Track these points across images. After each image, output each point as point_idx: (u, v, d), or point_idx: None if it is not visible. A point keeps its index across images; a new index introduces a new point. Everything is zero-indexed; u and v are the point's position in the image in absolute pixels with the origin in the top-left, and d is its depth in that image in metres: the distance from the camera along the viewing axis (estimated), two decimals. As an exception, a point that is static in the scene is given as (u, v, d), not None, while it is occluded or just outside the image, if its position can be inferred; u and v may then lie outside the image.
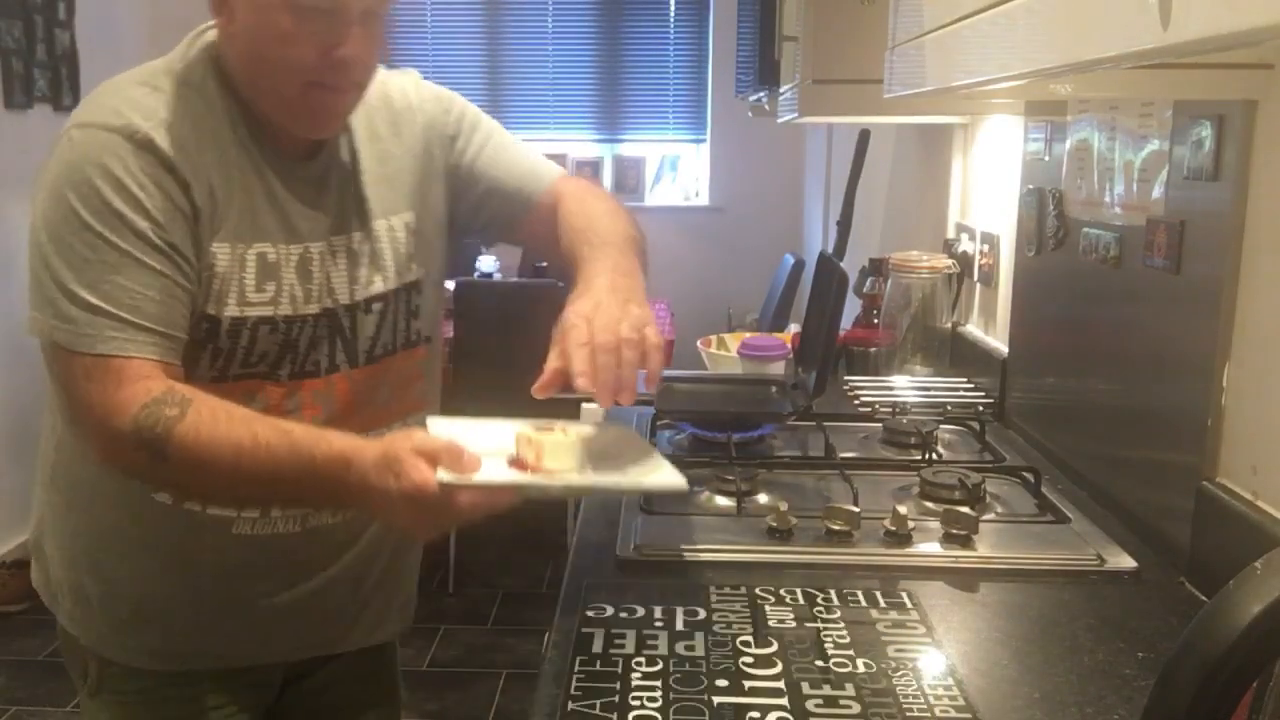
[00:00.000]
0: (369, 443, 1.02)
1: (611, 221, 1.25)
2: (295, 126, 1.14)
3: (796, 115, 2.02)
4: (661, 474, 1.03)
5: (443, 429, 1.04)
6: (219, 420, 1.03)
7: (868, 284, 2.28)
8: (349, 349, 1.20)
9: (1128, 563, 1.23)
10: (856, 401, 1.83)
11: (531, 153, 1.35)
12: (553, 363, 1.03)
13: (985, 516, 1.33)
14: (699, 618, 1.09)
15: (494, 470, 0.98)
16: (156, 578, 1.21)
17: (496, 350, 3.24)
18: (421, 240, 1.25)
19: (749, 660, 1.01)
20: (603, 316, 1.04)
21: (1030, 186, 1.71)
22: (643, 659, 1.01)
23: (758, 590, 1.16)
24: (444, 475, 0.94)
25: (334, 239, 1.19)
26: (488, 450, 0.99)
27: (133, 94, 1.09)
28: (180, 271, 1.07)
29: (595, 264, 1.15)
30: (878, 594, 1.16)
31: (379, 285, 1.21)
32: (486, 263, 4.19)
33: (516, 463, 1.01)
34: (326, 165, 1.19)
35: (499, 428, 1.05)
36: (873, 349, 2.13)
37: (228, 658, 1.26)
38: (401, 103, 1.26)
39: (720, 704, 0.93)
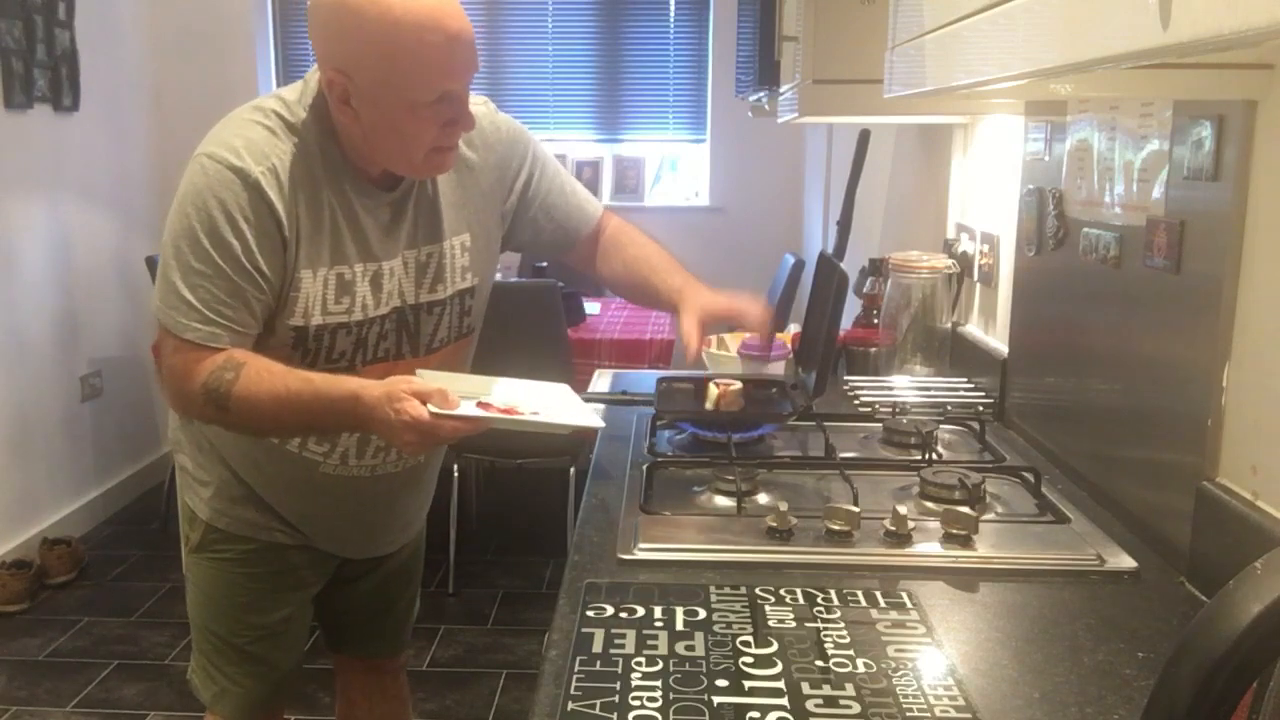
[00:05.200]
0: (374, 383, 1.30)
1: (669, 258, 1.67)
2: (418, 175, 1.43)
3: (796, 115, 2.02)
4: (584, 418, 1.41)
5: (431, 378, 1.38)
6: (263, 378, 1.32)
7: (868, 284, 2.28)
8: (413, 342, 1.49)
9: (1128, 563, 1.23)
10: (856, 401, 1.83)
11: (581, 192, 1.67)
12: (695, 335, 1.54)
13: (985, 516, 1.34)
14: (699, 618, 1.09)
15: (467, 408, 1.32)
16: (263, 483, 1.55)
17: (497, 348, 3.24)
18: (476, 255, 1.54)
19: (749, 660, 1.01)
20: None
21: (1030, 186, 1.71)
22: (643, 659, 1.01)
23: (758, 590, 1.16)
24: (433, 408, 1.26)
25: (406, 253, 1.46)
26: (463, 394, 1.35)
27: (252, 134, 1.35)
28: (257, 287, 1.34)
29: (702, 293, 1.59)
30: (878, 594, 1.16)
31: (440, 293, 1.50)
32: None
33: (481, 405, 1.36)
34: (406, 193, 1.45)
35: (471, 380, 1.46)
36: (873, 349, 2.12)
37: (308, 538, 1.59)
38: (478, 140, 1.51)
39: (720, 704, 0.93)
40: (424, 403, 1.25)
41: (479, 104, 1.53)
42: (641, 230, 1.72)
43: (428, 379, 1.36)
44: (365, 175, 1.41)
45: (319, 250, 1.38)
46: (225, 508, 1.56)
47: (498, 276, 4.98)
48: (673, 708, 0.92)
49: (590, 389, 2.17)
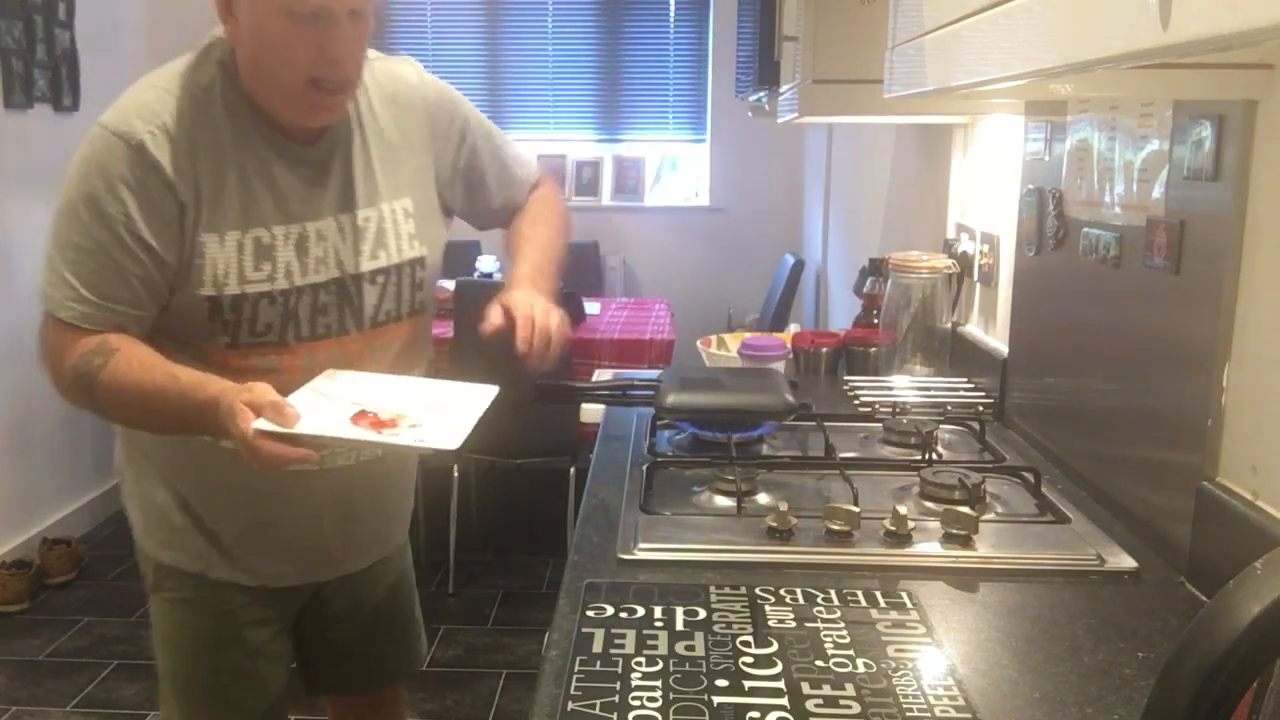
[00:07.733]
0: (235, 388, 1.19)
1: (544, 241, 1.52)
2: (297, 118, 1.31)
3: (796, 115, 2.02)
4: (440, 439, 1.20)
5: (344, 378, 1.30)
6: (131, 368, 1.25)
7: (868, 284, 2.28)
8: (356, 315, 1.39)
9: (1128, 563, 1.23)
10: (856, 401, 1.83)
11: (515, 164, 1.58)
12: (497, 316, 1.32)
13: (985, 516, 1.33)
14: (699, 618, 1.09)
15: (316, 424, 1.18)
16: (206, 495, 1.42)
17: (495, 349, 3.24)
18: (421, 222, 1.44)
19: (749, 660, 1.01)
20: (540, 311, 1.32)
21: (1030, 186, 1.71)
22: (643, 659, 1.01)
23: (758, 590, 1.16)
24: (262, 424, 1.14)
25: (341, 216, 1.37)
26: (355, 398, 1.25)
27: (145, 97, 1.28)
28: (138, 263, 1.26)
29: (522, 283, 1.39)
30: (878, 594, 1.16)
31: (382, 260, 1.40)
32: (486, 263, 4.17)
33: (360, 414, 1.22)
34: (330, 149, 1.36)
35: (376, 381, 1.31)
36: (873, 349, 2.13)
37: (260, 575, 1.46)
38: (405, 97, 1.44)
39: (720, 704, 0.93)
40: (258, 415, 1.15)
41: (405, 63, 1.47)
42: (557, 204, 1.62)
43: (339, 379, 1.30)
44: (281, 130, 1.32)
45: (225, 212, 1.28)
46: (168, 538, 1.44)
47: (496, 276, 4.95)
48: (673, 708, 0.92)
49: (590, 389, 2.17)
